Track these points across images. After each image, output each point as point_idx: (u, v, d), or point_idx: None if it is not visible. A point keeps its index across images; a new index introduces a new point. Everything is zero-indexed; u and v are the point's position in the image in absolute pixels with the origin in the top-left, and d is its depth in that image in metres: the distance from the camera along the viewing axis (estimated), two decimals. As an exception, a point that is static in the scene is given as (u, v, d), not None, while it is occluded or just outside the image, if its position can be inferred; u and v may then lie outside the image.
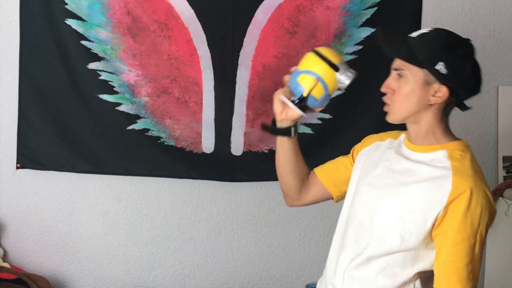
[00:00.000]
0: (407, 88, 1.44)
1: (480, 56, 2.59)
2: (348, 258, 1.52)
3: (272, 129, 1.62)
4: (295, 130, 1.62)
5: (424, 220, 1.40)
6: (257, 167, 2.51)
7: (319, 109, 1.59)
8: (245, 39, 2.43)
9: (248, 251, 2.62)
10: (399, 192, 1.46)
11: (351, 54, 2.47)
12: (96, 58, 2.38)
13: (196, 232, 2.58)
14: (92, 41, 2.37)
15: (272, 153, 2.50)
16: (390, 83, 1.48)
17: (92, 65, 2.38)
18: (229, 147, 2.49)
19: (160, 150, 2.46)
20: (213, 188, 2.56)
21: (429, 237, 1.41)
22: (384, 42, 1.49)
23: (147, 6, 2.37)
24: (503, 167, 2.66)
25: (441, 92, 1.43)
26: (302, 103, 1.51)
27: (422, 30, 1.48)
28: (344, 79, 1.49)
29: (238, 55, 2.44)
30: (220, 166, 2.50)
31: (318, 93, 1.51)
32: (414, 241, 1.42)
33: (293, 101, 1.52)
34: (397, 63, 1.47)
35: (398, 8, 2.50)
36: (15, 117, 2.40)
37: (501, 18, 2.63)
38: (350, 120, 2.53)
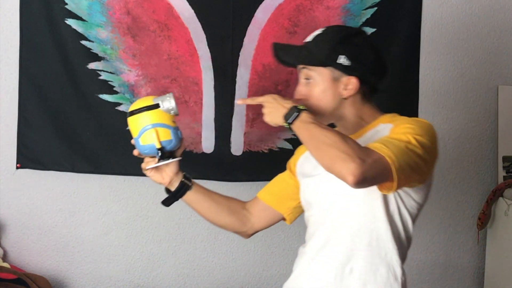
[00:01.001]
0: (318, 89, 1.46)
1: (480, 56, 2.63)
2: (342, 258, 1.49)
3: (173, 195, 1.64)
4: (189, 179, 1.64)
5: None
6: (257, 167, 2.51)
7: (181, 142, 1.58)
8: (245, 39, 2.43)
9: (248, 251, 2.62)
10: None
11: (351, 54, 2.46)
12: (96, 58, 2.38)
13: (196, 232, 2.57)
14: (92, 41, 2.37)
15: (272, 153, 2.53)
16: (301, 90, 1.49)
17: (92, 65, 2.38)
18: (229, 147, 2.49)
19: (160, 150, 2.46)
20: (213, 188, 2.51)
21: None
22: (283, 54, 1.51)
23: (147, 6, 2.37)
24: (503, 167, 2.65)
25: (351, 83, 1.44)
26: (165, 153, 1.53)
27: (315, 32, 1.49)
28: (169, 105, 1.49)
29: (238, 55, 2.44)
30: (220, 166, 2.49)
31: (165, 134, 1.51)
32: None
33: (159, 161, 1.54)
34: (302, 69, 1.48)
35: (398, 8, 2.50)
36: (15, 117, 2.40)
37: (501, 17, 2.63)
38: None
